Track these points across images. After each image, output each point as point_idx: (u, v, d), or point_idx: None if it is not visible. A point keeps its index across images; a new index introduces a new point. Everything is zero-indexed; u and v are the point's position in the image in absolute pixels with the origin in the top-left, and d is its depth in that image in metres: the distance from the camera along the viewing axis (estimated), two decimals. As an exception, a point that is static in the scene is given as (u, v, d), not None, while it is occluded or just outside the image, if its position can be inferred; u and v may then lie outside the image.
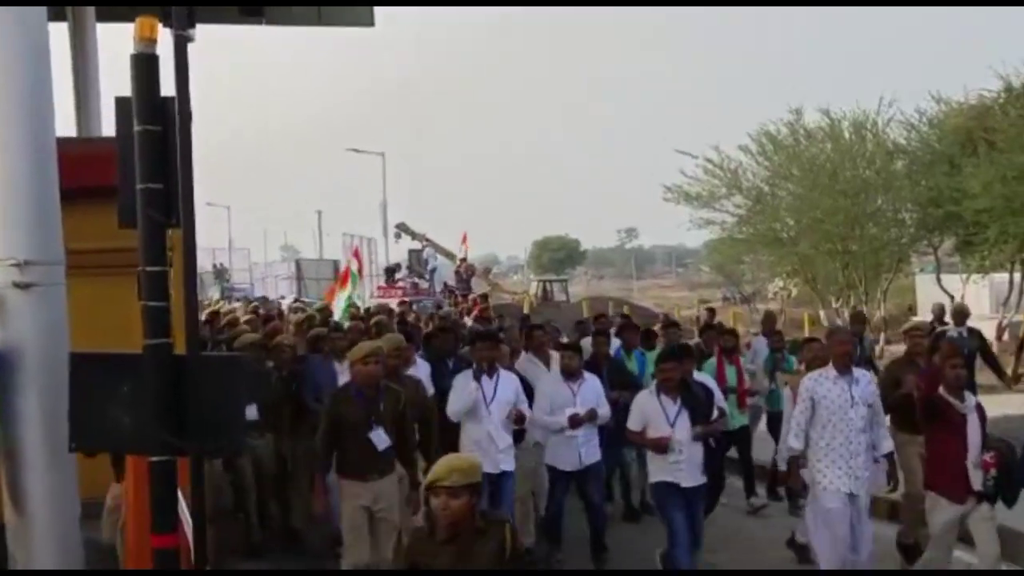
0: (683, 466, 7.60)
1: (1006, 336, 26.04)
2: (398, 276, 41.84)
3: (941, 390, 7.16)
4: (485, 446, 8.31)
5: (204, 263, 42.40)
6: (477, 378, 8.49)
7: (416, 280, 41.90)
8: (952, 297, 28.59)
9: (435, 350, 10.91)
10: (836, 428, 7.25)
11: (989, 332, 19.77)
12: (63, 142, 5.72)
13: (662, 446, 7.58)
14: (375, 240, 47.74)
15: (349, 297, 20.89)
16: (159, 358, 4.49)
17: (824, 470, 7.28)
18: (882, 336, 28.15)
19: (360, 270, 24.22)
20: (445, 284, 41.36)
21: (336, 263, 46.88)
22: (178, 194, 4.34)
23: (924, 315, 25.11)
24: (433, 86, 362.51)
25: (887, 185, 29.00)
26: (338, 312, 18.79)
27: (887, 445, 7.63)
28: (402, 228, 45.40)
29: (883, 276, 31.10)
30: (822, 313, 31.87)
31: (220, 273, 48.98)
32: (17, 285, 5.06)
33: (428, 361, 10.29)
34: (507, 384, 8.51)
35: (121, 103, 4.44)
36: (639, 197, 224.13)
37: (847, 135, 29.97)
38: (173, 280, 4.72)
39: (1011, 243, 26.10)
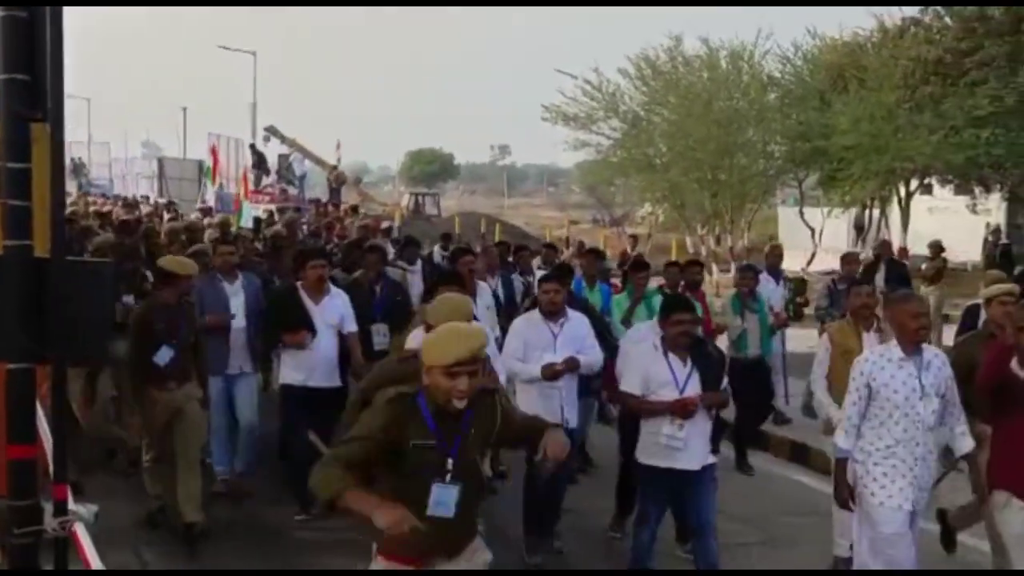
0: (689, 443, 6.05)
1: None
2: (266, 182, 40.81)
3: (1013, 365, 5.64)
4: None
5: (61, 156, 40.43)
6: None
7: (285, 187, 41.00)
8: (813, 230, 29.52)
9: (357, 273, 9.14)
10: (899, 426, 5.56)
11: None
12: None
13: (689, 410, 6.00)
14: (242, 142, 46.38)
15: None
16: (20, 260, 4.21)
17: (881, 479, 5.61)
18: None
19: (214, 168, 23.75)
20: (320, 200, 40.73)
21: (201, 163, 45.61)
22: (46, 87, 4.03)
23: (788, 249, 25.73)
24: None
25: (759, 117, 29.65)
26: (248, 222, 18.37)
27: (967, 443, 5.84)
28: (271, 131, 43.87)
29: (748, 206, 31.88)
30: (688, 240, 32.54)
31: (78, 168, 47.10)
32: None
33: (347, 289, 8.35)
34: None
35: (-18, -17, 4.08)
36: (513, 115, 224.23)
37: (724, 64, 30.39)
38: (35, 177, 4.43)
39: (873, 180, 27.02)
